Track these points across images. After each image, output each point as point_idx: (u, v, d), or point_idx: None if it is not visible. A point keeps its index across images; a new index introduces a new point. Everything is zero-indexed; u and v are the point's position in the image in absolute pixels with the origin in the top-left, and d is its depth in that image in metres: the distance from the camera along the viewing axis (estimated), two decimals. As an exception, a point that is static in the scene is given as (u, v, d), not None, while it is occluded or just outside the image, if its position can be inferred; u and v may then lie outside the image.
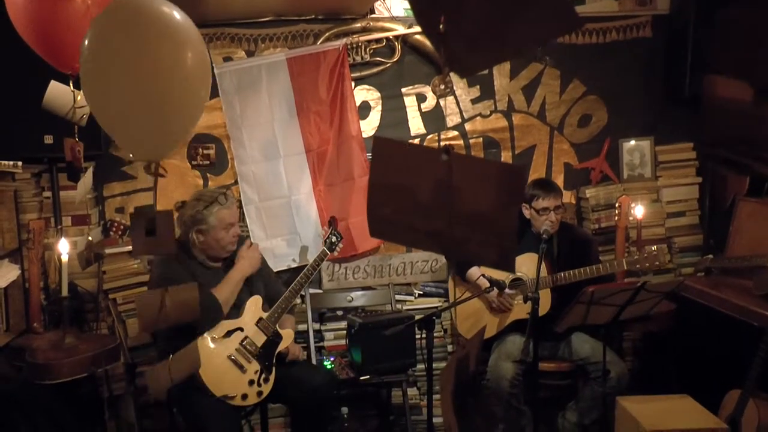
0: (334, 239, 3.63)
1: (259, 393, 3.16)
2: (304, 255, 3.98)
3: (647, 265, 3.37)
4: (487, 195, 1.36)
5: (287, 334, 3.34)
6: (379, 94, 4.05)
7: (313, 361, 3.83)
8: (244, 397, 3.12)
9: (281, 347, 3.30)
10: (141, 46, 1.99)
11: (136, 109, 2.04)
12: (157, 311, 2.15)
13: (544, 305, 3.44)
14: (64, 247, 3.25)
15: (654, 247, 3.40)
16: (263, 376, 3.18)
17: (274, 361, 3.26)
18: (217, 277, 3.26)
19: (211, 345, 3.13)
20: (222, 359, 3.13)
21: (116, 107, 2.06)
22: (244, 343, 3.20)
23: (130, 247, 3.76)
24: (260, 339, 3.24)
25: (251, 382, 3.15)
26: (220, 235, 3.21)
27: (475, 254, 1.58)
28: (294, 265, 3.97)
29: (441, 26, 1.19)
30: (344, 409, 3.56)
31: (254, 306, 3.29)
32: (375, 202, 1.54)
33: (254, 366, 3.18)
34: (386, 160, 1.50)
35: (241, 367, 3.14)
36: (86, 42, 2.02)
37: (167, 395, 3.46)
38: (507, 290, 3.49)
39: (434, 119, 4.10)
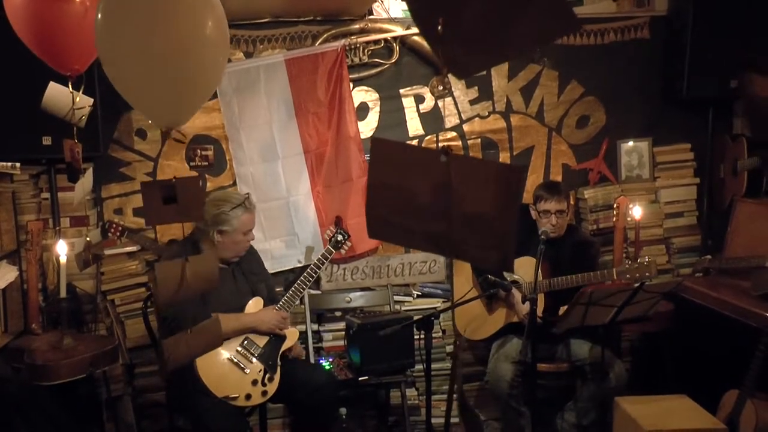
0: (340, 238, 3.65)
1: (264, 393, 3.18)
2: (308, 255, 3.97)
3: (637, 275, 3.36)
4: (486, 196, 1.36)
5: (291, 333, 3.36)
6: (377, 95, 4.05)
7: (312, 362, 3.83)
8: (248, 397, 3.14)
9: (285, 346, 3.32)
10: (160, 13, 1.97)
11: (156, 77, 2.02)
12: (177, 282, 2.11)
13: (538, 307, 3.43)
14: (62, 249, 3.25)
15: (646, 258, 3.40)
16: (267, 375, 3.19)
17: (278, 360, 3.27)
18: (224, 277, 3.28)
19: None
20: (222, 360, 3.14)
21: (135, 74, 2.05)
22: (245, 343, 3.21)
23: (129, 248, 3.77)
24: (262, 339, 3.26)
25: (254, 382, 3.16)
26: (238, 239, 3.27)
27: (474, 256, 1.58)
28: (299, 265, 3.98)
29: (439, 28, 1.19)
30: (343, 410, 3.56)
31: (255, 307, 3.32)
32: (373, 203, 1.54)
33: (257, 366, 3.19)
34: (385, 161, 1.51)
35: (242, 368, 3.15)
36: (102, 6, 2.00)
37: (167, 396, 3.48)
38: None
39: (432, 120, 4.10)
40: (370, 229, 1.60)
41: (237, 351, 3.18)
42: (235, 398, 3.09)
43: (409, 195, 1.45)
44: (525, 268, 3.51)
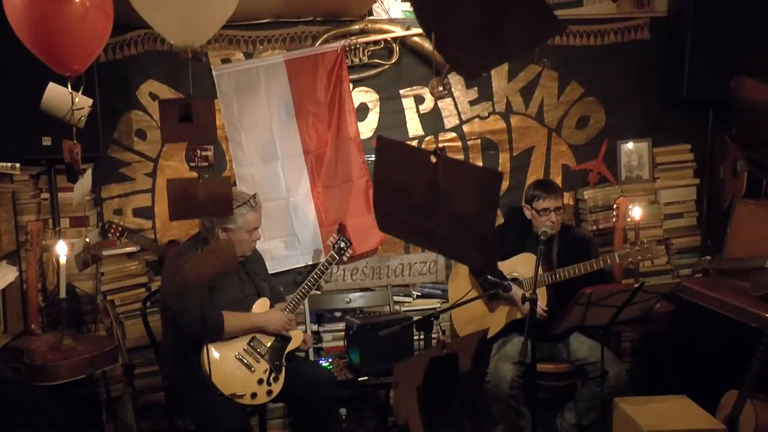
0: (343, 245, 3.67)
1: (269, 392, 3.20)
2: (316, 256, 3.99)
3: (639, 257, 3.37)
4: (469, 198, 1.39)
5: (296, 335, 3.39)
6: (377, 96, 4.05)
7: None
8: (254, 396, 3.16)
9: (290, 347, 3.35)
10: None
11: None
12: (190, 198, 2.09)
13: (541, 305, 3.43)
14: (62, 249, 3.25)
15: (645, 240, 3.41)
16: (273, 375, 3.22)
17: (284, 361, 3.29)
18: (231, 278, 3.31)
19: (219, 344, 3.16)
20: (230, 358, 3.17)
21: None
22: (252, 343, 3.24)
23: (129, 249, 3.77)
24: (268, 339, 3.29)
25: (260, 381, 3.19)
26: (243, 237, 3.26)
27: (463, 255, 1.60)
28: (299, 266, 3.99)
29: (440, 31, 1.20)
30: (342, 410, 3.57)
31: (262, 307, 3.34)
32: (379, 199, 1.57)
33: (263, 365, 3.22)
34: (388, 160, 1.53)
35: (249, 367, 3.18)
36: None
37: (167, 397, 3.48)
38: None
39: (432, 121, 4.10)
40: (379, 223, 1.63)
41: (244, 350, 3.21)
42: (241, 396, 3.11)
43: (408, 193, 1.47)
44: (523, 265, 3.53)
